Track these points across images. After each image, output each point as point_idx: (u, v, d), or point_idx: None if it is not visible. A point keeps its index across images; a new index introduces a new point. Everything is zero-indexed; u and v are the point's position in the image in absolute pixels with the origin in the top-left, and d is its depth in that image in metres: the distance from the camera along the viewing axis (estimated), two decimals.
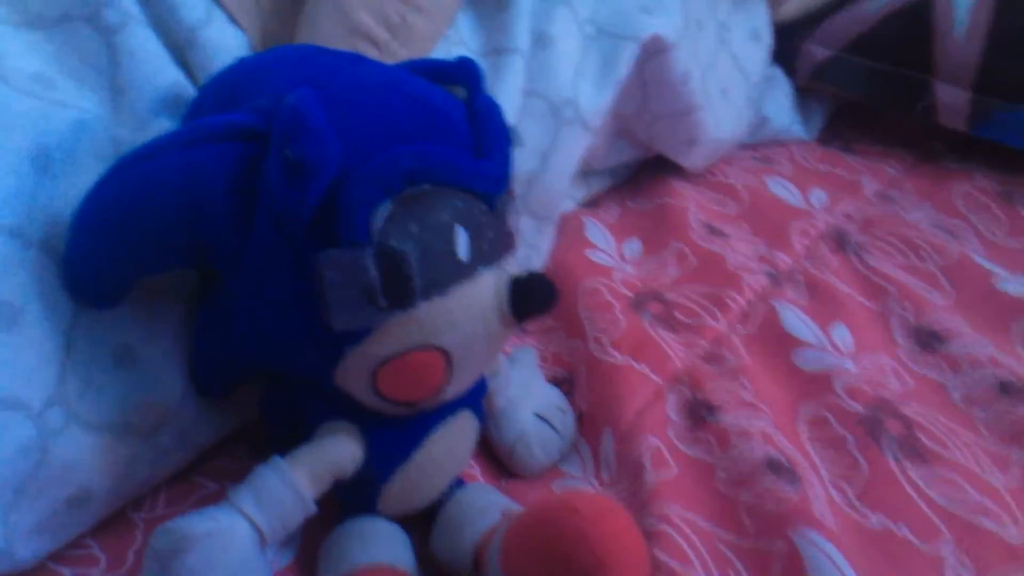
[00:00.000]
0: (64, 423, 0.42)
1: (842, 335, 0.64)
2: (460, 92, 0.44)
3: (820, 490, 0.50)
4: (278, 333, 0.41)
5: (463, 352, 0.41)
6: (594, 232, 0.76)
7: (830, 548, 0.45)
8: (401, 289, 0.38)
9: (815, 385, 0.58)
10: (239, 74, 0.45)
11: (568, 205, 0.79)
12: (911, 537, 0.47)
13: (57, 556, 0.45)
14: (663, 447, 0.53)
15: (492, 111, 0.44)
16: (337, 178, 0.36)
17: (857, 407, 0.56)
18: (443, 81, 0.44)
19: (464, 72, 0.45)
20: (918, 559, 0.46)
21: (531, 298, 0.42)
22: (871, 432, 0.54)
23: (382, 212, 0.37)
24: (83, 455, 0.43)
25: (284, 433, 0.47)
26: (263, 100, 0.40)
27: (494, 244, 0.41)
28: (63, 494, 0.43)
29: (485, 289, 0.41)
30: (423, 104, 0.41)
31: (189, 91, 0.50)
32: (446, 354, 0.41)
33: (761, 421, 0.55)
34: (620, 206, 0.82)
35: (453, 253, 0.39)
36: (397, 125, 0.39)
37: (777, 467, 0.51)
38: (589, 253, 0.73)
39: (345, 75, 0.42)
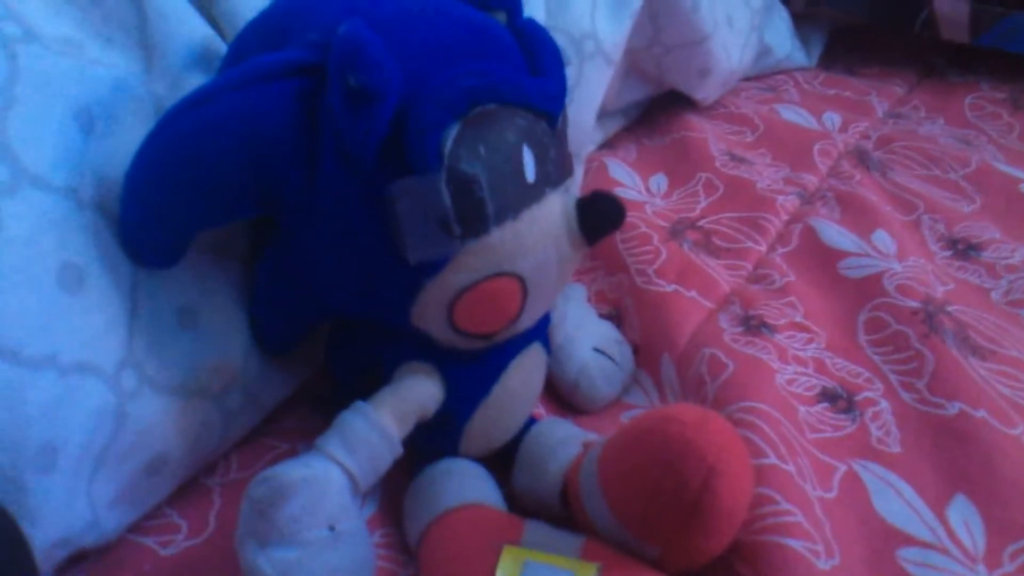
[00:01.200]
0: (137, 386, 0.41)
1: (883, 239, 0.64)
2: (500, 18, 0.44)
3: (885, 402, 0.50)
4: (352, 273, 0.40)
5: (537, 277, 0.41)
6: (617, 171, 0.76)
7: (893, 477, 0.46)
8: (475, 215, 0.37)
9: (866, 289, 0.59)
10: (280, 14, 0.43)
11: (588, 148, 0.78)
12: (993, 421, 0.47)
13: (137, 527, 0.45)
14: (719, 352, 0.53)
15: (540, 31, 0.43)
16: (401, 104, 0.36)
17: (911, 303, 0.56)
18: (482, 7, 0.44)
19: None
20: (1003, 440, 0.46)
21: (601, 217, 0.41)
22: (930, 325, 0.54)
23: (450, 135, 0.36)
24: (157, 419, 0.42)
25: (352, 384, 0.46)
26: (314, 34, 0.39)
27: (557, 165, 0.41)
28: (141, 461, 0.42)
29: (554, 211, 0.40)
30: (474, 26, 0.40)
31: (219, 45, 0.48)
32: (521, 280, 0.40)
33: (813, 345, 0.55)
34: (637, 145, 0.82)
35: (521, 174, 0.38)
36: (452, 47, 0.39)
37: (833, 396, 0.51)
38: (617, 191, 0.73)
39: (391, 3, 0.41)
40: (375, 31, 0.36)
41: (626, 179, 0.75)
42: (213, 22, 0.49)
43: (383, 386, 0.43)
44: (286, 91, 0.37)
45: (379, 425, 0.41)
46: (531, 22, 0.43)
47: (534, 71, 0.41)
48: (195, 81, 0.46)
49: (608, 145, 0.82)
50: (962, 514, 0.43)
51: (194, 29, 0.47)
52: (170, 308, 0.43)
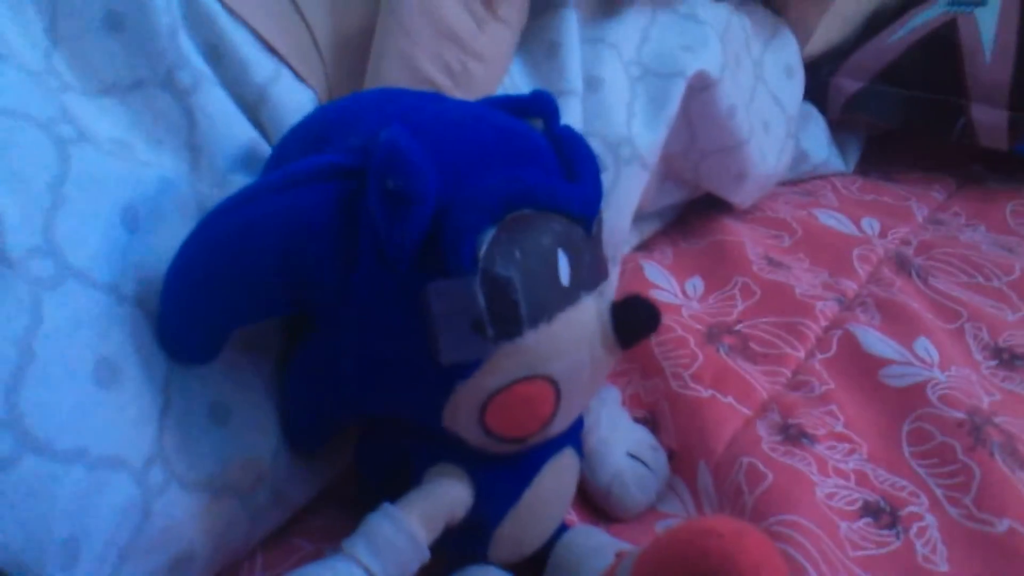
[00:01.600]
0: (165, 482, 0.40)
1: (925, 347, 0.63)
2: (538, 124, 0.45)
3: (931, 517, 0.48)
4: (385, 373, 0.40)
5: (570, 381, 0.40)
6: (653, 273, 0.76)
7: None
8: (509, 317, 0.37)
9: (909, 399, 0.57)
10: (322, 119, 0.45)
11: (623, 249, 0.78)
12: None
13: None
14: (758, 462, 0.52)
15: (576, 137, 0.44)
16: (439, 207, 0.36)
17: (957, 414, 0.55)
18: (519, 114, 0.45)
19: (540, 103, 0.45)
20: None
21: (635, 321, 0.41)
22: (976, 437, 0.52)
23: (486, 239, 0.37)
24: (184, 515, 0.41)
25: (380, 483, 0.46)
26: (355, 139, 0.40)
27: (591, 269, 0.41)
28: (166, 557, 0.41)
29: (588, 314, 0.40)
30: (511, 133, 0.41)
31: (264, 148, 0.50)
32: (554, 383, 0.40)
33: (855, 456, 0.54)
34: (673, 247, 0.82)
35: (556, 278, 0.39)
36: (490, 153, 0.40)
37: (876, 511, 0.50)
38: (653, 293, 0.73)
39: (430, 110, 0.42)
40: (415, 137, 0.37)
41: (662, 281, 0.75)
42: (259, 126, 0.51)
43: (412, 488, 0.43)
44: (326, 193, 0.38)
45: (406, 528, 0.40)
46: (567, 129, 0.44)
47: (570, 177, 0.42)
48: (240, 182, 0.48)
49: (644, 247, 0.83)
50: None
51: (240, 132, 0.49)
52: (202, 403, 0.43)
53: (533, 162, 0.41)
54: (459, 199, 0.37)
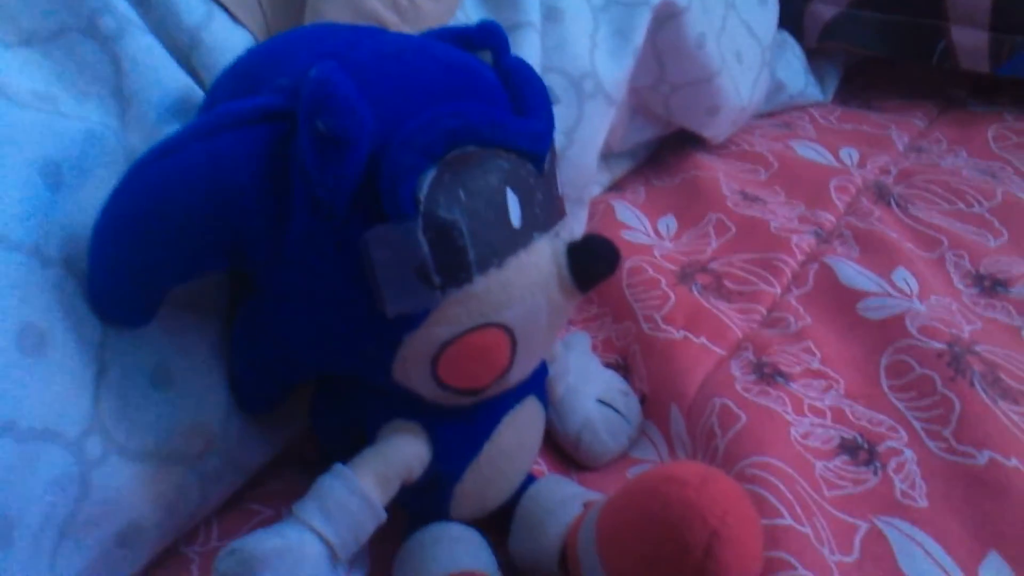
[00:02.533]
0: (104, 453, 0.39)
1: (904, 277, 0.61)
2: (486, 57, 0.43)
3: (910, 452, 0.47)
4: (328, 328, 0.38)
5: (526, 328, 0.39)
6: (625, 213, 0.74)
7: (920, 535, 0.43)
8: (456, 263, 0.35)
9: (888, 331, 0.56)
10: (253, 60, 0.42)
11: (594, 190, 0.77)
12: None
13: None
14: (730, 403, 0.51)
15: (526, 69, 0.41)
16: (375, 148, 0.34)
17: (937, 344, 0.53)
18: (466, 47, 0.43)
19: (488, 35, 0.43)
20: None
21: (593, 263, 0.39)
22: (956, 367, 0.51)
23: (427, 179, 0.35)
24: (127, 486, 0.40)
25: (339, 443, 0.44)
26: (285, 78, 0.38)
27: (545, 208, 0.39)
28: (111, 531, 0.40)
29: (543, 257, 0.38)
30: (455, 66, 0.39)
31: (198, 95, 0.47)
32: (508, 331, 0.38)
33: (831, 393, 0.52)
34: (646, 186, 0.80)
35: (506, 219, 0.37)
36: (430, 88, 0.37)
37: (853, 448, 0.49)
38: (624, 234, 0.71)
39: (367, 45, 0.40)
40: (348, 74, 0.35)
41: (633, 221, 0.73)
42: (193, 72, 0.49)
43: (367, 446, 0.41)
44: (254, 138, 0.36)
45: (360, 490, 0.39)
46: (517, 60, 0.42)
47: (519, 111, 0.39)
48: (171, 131, 0.45)
49: (616, 187, 0.81)
50: (996, 574, 0.40)
51: (172, 79, 0.46)
52: (142, 368, 0.41)
53: (479, 96, 0.38)
54: (396, 138, 0.35)
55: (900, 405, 0.51)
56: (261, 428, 0.47)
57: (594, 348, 0.61)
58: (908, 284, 0.60)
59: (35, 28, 0.45)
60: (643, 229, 0.72)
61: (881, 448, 0.48)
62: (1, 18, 0.45)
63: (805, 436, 0.49)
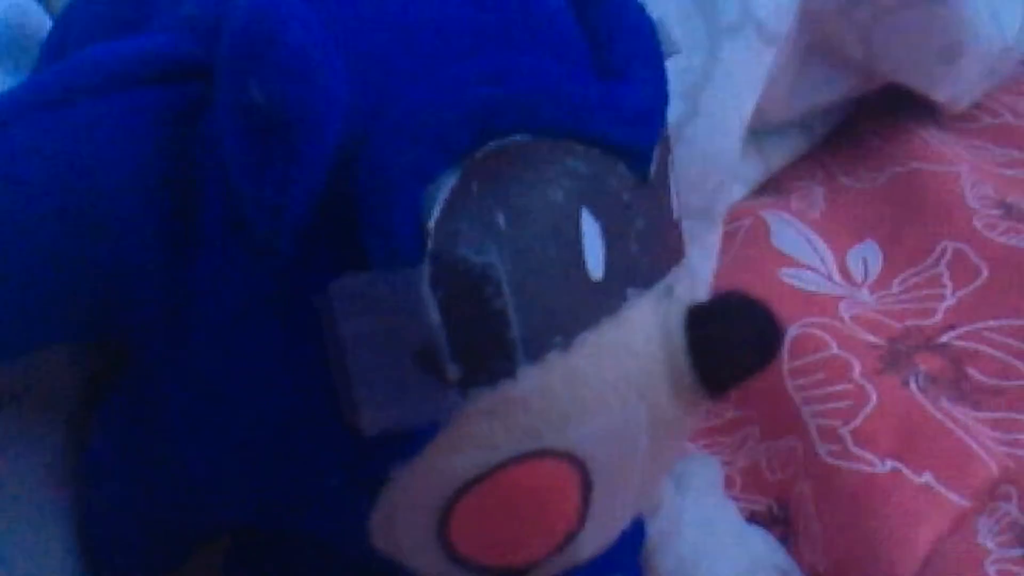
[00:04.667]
0: None
1: None
2: None
3: None
4: (260, 449, 0.38)
5: (609, 459, 0.37)
6: (787, 236, 0.74)
7: None
8: (489, 344, 0.34)
9: None
10: None
11: (733, 193, 0.76)
12: None
13: None
14: None
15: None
16: (350, 136, 0.33)
17: None
18: None
19: None
20: None
21: (735, 345, 0.38)
22: None
23: (441, 193, 0.33)
24: None
25: None
26: (190, 6, 0.38)
27: (650, 245, 0.38)
28: None
29: (643, 333, 0.37)
30: None
31: (38, 21, 0.48)
32: (578, 464, 0.37)
33: None
34: (827, 186, 0.80)
35: (578, 266, 0.35)
36: (448, 31, 0.37)
37: None
38: (786, 274, 0.70)
39: None
40: (309, 2, 0.34)
41: (802, 252, 0.72)
42: None
43: None
44: (136, 111, 0.36)
45: None
46: None
47: (606, 70, 0.39)
48: None
49: (772, 188, 0.80)
50: None
51: None
52: None
53: (533, 44, 0.38)
54: (388, 119, 0.34)
55: None
56: None
57: (728, 485, 0.60)
58: None
59: None
60: (818, 266, 0.71)
61: None
62: None
63: None
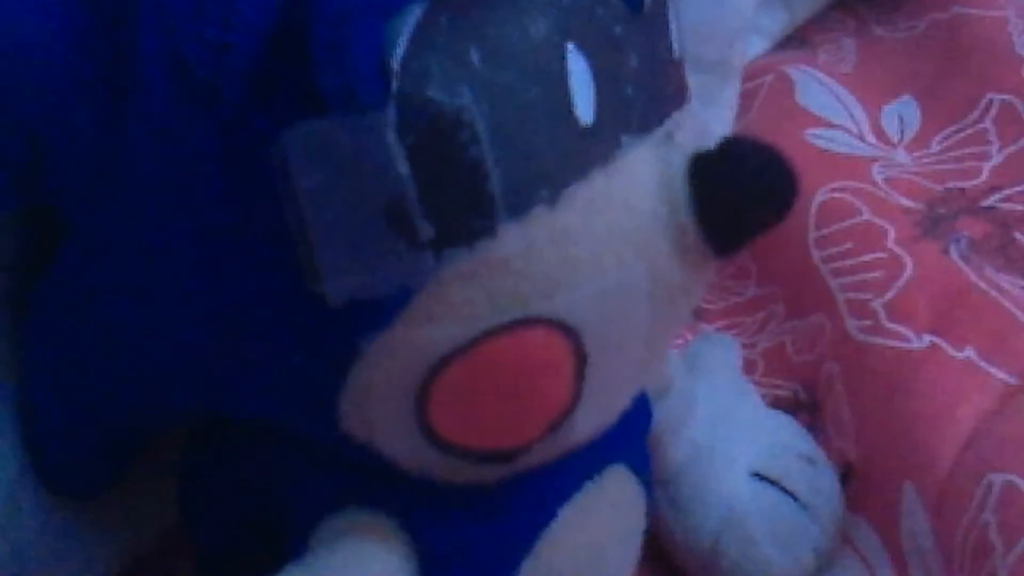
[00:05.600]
0: None
1: None
2: None
3: None
4: (207, 320, 0.38)
5: (605, 327, 0.38)
6: (814, 93, 0.75)
7: None
8: (465, 198, 0.35)
9: None
10: None
11: (753, 46, 0.77)
12: None
13: None
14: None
15: None
16: None
17: None
18: None
19: None
20: None
21: (746, 197, 0.39)
22: None
23: (404, 26, 0.34)
24: None
25: (228, 551, 0.47)
26: None
27: (646, 85, 0.38)
28: None
29: (640, 185, 0.38)
30: None
31: None
32: (570, 333, 0.38)
33: None
34: (859, 37, 0.81)
35: (565, 109, 0.36)
36: None
37: None
38: (812, 135, 0.72)
39: None
40: None
41: (832, 109, 0.74)
42: None
43: (290, 560, 0.43)
44: None
45: None
46: None
47: None
48: None
49: (798, 41, 0.82)
50: None
51: None
52: None
53: None
54: None
55: None
56: (85, 525, 0.49)
57: (748, 367, 0.61)
58: None
59: None
60: (852, 126, 0.73)
61: None
62: None
63: None
